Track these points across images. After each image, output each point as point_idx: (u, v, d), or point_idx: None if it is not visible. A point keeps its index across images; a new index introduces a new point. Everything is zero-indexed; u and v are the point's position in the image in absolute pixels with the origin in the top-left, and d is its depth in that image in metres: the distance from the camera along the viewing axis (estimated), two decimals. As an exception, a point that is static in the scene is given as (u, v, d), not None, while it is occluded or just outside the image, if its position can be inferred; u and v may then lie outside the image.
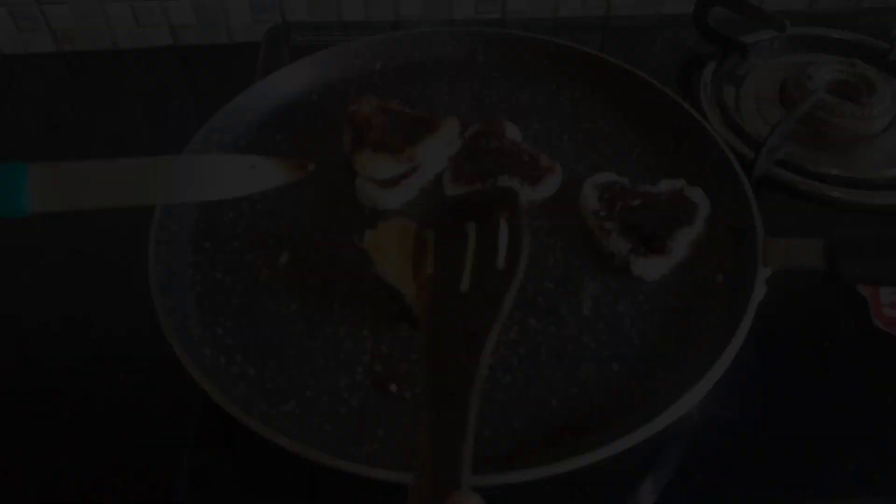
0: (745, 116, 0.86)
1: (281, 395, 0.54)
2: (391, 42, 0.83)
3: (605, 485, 0.56)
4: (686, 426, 0.59)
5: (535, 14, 1.05)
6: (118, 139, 0.86)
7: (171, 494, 0.54)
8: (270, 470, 0.55)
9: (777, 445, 0.58)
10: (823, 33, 0.97)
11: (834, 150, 0.82)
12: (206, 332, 0.58)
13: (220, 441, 0.57)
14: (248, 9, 1.01)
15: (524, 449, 0.52)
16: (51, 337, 0.65)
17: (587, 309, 0.60)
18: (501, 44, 0.84)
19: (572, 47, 0.81)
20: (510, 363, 0.56)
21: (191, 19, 0.98)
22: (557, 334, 0.58)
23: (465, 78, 0.82)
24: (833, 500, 0.56)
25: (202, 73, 0.97)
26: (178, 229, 0.65)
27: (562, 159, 0.70)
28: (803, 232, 0.73)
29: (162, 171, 0.50)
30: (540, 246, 0.65)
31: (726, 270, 0.62)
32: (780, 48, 0.96)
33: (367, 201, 0.67)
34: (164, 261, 0.61)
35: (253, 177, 0.53)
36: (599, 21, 1.05)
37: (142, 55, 0.99)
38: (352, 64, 0.82)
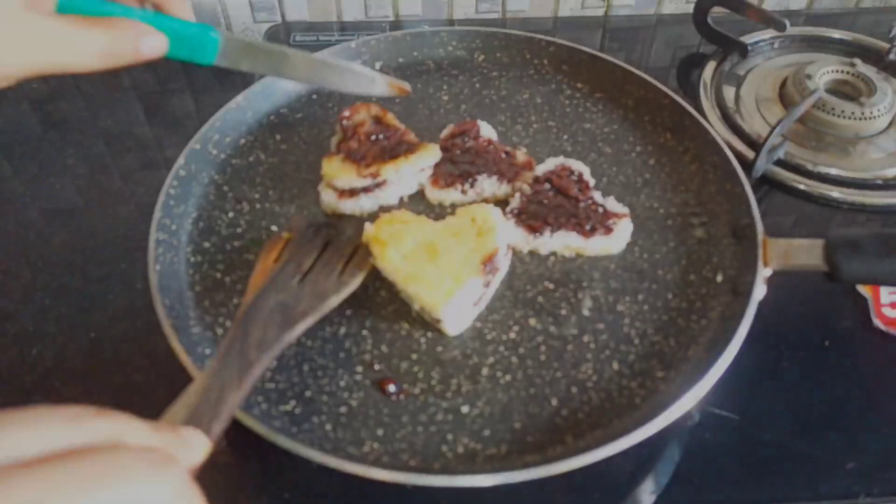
0: (745, 116, 0.86)
1: (281, 395, 0.54)
2: (391, 42, 0.84)
3: (605, 485, 0.55)
4: (686, 426, 0.59)
5: (535, 14, 1.05)
6: (118, 139, 0.86)
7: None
8: (271, 470, 0.55)
9: (777, 445, 0.58)
10: (823, 33, 0.97)
11: (834, 150, 0.82)
12: (206, 332, 0.58)
13: (219, 441, 0.57)
14: (248, 9, 1.02)
15: (524, 449, 0.52)
16: (51, 337, 0.65)
17: (587, 309, 0.60)
18: (501, 44, 0.84)
19: (572, 47, 0.81)
20: (510, 363, 0.56)
21: (190, 19, 0.98)
22: (557, 334, 0.58)
23: (465, 78, 0.82)
24: (833, 500, 0.56)
25: (202, 73, 0.97)
26: (178, 229, 0.65)
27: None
28: (803, 232, 0.73)
29: (311, 61, 0.65)
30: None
31: (726, 270, 0.62)
32: (780, 48, 0.96)
33: (325, 206, 0.67)
34: (164, 261, 0.61)
35: (370, 84, 0.69)
36: (599, 21, 1.05)
37: (142, 55, 0.99)
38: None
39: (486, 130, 0.72)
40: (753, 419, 0.59)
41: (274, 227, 0.66)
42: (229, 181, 0.70)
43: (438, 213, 0.67)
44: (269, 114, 0.77)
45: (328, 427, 0.53)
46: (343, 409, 0.54)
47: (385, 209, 0.67)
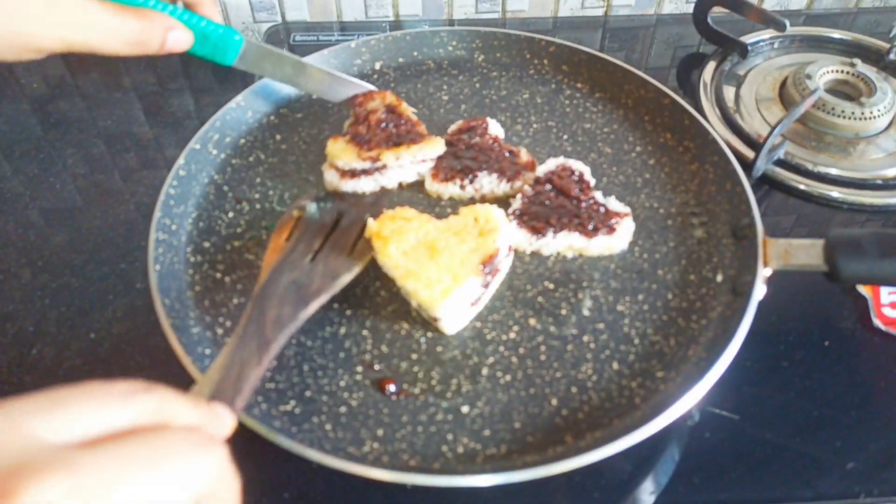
0: (745, 116, 0.86)
1: (281, 395, 0.54)
2: (391, 42, 0.84)
3: (605, 485, 0.55)
4: (686, 426, 0.59)
5: (534, 14, 1.05)
6: (118, 139, 0.86)
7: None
8: (271, 470, 0.55)
9: (777, 445, 0.58)
10: (823, 33, 0.97)
11: (834, 150, 0.82)
12: (206, 332, 0.58)
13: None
14: (249, 8, 1.02)
15: (524, 449, 0.52)
16: (51, 337, 0.65)
17: (587, 309, 0.60)
18: (501, 44, 0.84)
19: (572, 47, 0.81)
20: (510, 363, 0.56)
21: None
22: (557, 334, 0.58)
23: (465, 78, 0.82)
24: (833, 500, 0.56)
25: (202, 73, 0.97)
26: (178, 229, 0.65)
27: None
28: (803, 232, 0.73)
29: (325, 75, 0.71)
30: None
31: (726, 270, 0.62)
32: (780, 48, 0.96)
33: (327, 184, 0.68)
34: (164, 261, 0.61)
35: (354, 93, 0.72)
36: (599, 21, 1.05)
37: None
38: (352, 64, 0.82)
39: (494, 128, 0.72)
40: (753, 419, 0.59)
41: (274, 227, 0.66)
42: (229, 181, 0.70)
43: (439, 205, 0.67)
44: (269, 114, 0.77)
45: (328, 427, 0.53)
46: (343, 409, 0.54)
47: (386, 191, 0.69)
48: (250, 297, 0.53)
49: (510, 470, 0.47)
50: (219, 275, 0.62)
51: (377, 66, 0.83)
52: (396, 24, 1.04)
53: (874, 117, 0.83)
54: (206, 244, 0.65)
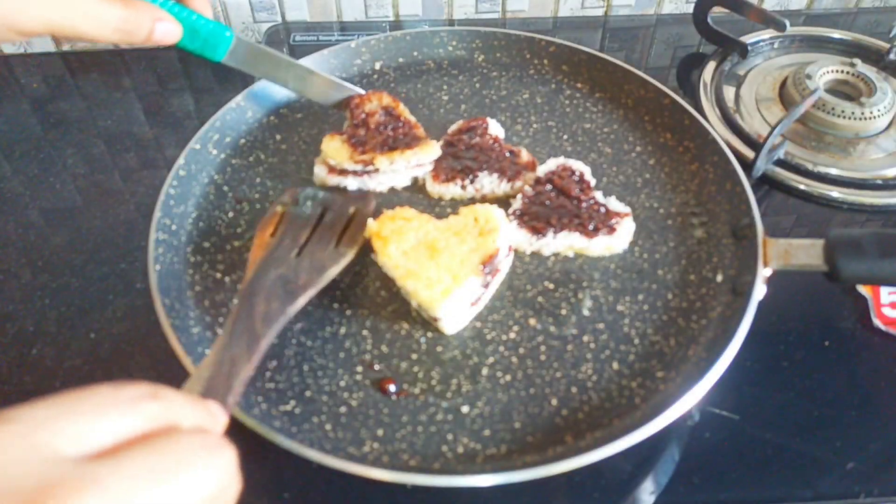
0: (745, 116, 0.86)
1: (281, 395, 0.54)
2: (391, 42, 0.83)
3: (605, 485, 0.55)
4: (686, 426, 0.59)
5: (534, 14, 1.05)
6: (118, 139, 0.86)
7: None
8: (271, 470, 0.55)
9: (777, 445, 0.58)
10: (823, 33, 0.97)
11: (834, 150, 0.82)
12: (206, 333, 0.58)
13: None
14: (248, 9, 1.01)
15: (524, 449, 0.52)
16: (51, 337, 0.65)
17: (587, 309, 0.60)
18: (501, 44, 0.84)
19: (572, 47, 0.81)
20: (510, 363, 0.56)
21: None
22: (557, 334, 0.58)
23: (465, 78, 0.82)
24: (833, 500, 0.56)
25: (202, 73, 0.97)
26: (178, 229, 0.65)
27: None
28: (803, 232, 0.73)
29: (314, 77, 0.71)
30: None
31: (726, 270, 0.62)
32: (780, 48, 0.96)
33: (315, 178, 0.69)
34: (164, 261, 0.61)
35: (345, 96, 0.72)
36: (599, 21, 1.05)
37: (142, 55, 0.99)
38: (352, 64, 0.82)
39: (495, 128, 0.72)
40: (753, 419, 0.59)
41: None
42: (229, 181, 0.70)
43: (439, 205, 0.67)
44: (269, 114, 0.77)
45: (328, 427, 0.53)
46: (343, 409, 0.54)
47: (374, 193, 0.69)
48: (238, 294, 0.53)
49: (510, 470, 0.47)
50: (219, 275, 0.62)
51: (377, 66, 0.83)
52: (396, 24, 1.04)
53: (874, 117, 0.83)
54: (206, 244, 0.65)
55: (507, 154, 0.69)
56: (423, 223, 0.59)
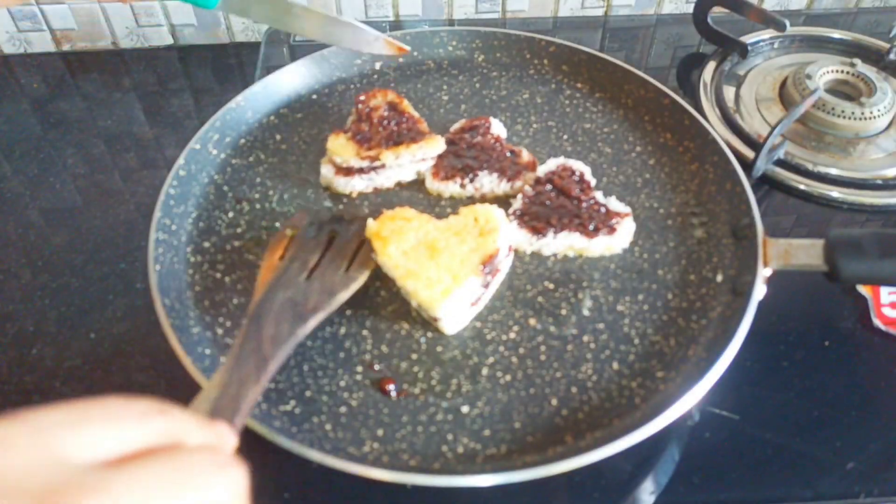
0: (745, 116, 0.86)
1: (281, 395, 0.54)
2: (391, 42, 0.83)
3: (605, 485, 0.55)
4: (686, 426, 0.59)
5: (534, 14, 1.05)
6: (118, 139, 0.86)
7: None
8: (271, 470, 0.55)
9: (777, 445, 0.58)
10: (823, 33, 0.97)
11: (834, 150, 0.82)
12: (206, 333, 0.58)
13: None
14: (248, 9, 1.01)
15: (524, 449, 0.52)
16: (51, 337, 0.65)
17: (587, 309, 0.60)
18: (501, 44, 0.84)
19: (572, 47, 0.81)
20: (510, 363, 0.56)
21: (191, 19, 0.98)
22: (557, 334, 0.58)
23: (465, 78, 0.82)
24: (833, 500, 0.56)
25: (202, 73, 0.97)
26: (178, 229, 0.65)
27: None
28: (803, 232, 0.73)
29: (314, 15, 0.68)
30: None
31: (726, 270, 0.62)
32: (780, 48, 0.96)
33: (322, 179, 0.69)
34: (164, 261, 0.61)
35: (370, 42, 0.71)
36: (599, 21, 1.05)
37: (142, 55, 0.99)
38: (352, 64, 0.82)
39: (497, 128, 0.72)
40: (753, 419, 0.59)
41: (277, 225, 0.66)
42: (229, 181, 0.70)
43: (439, 204, 0.67)
44: (269, 114, 0.77)
45: (328, 427, 0.53)
46: (343, 409, 0.54)
47: (379, 191, 0.69)
48: (246, 315, 0.53)
49: (510, 470, 0.47)
50: (219, 275, 0.62)
51: (377, 66, 0.83)
52: (396, 24, 1.04)
53: (874, 117, 0.83)
54: (206, 244, 0.65)
55: (508, 154, 0.69)
56: (423, 223, 0.59)
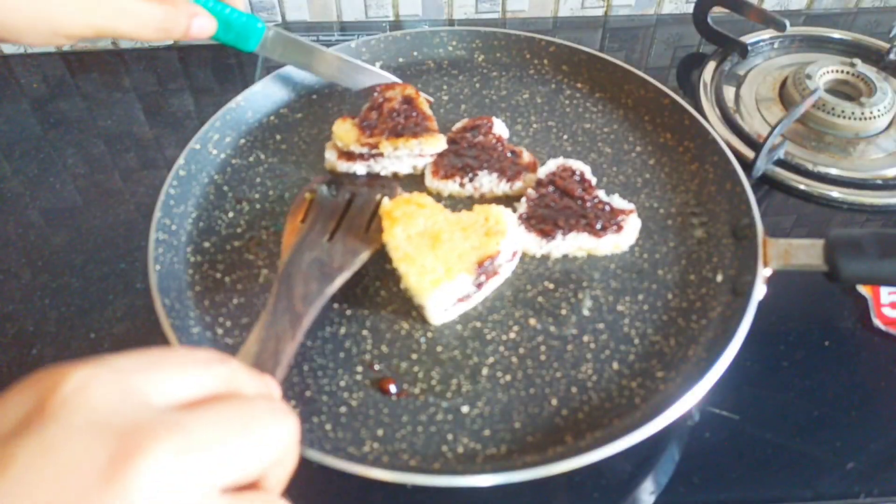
0: (745, 116, 0.86)
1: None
2: (391, 42, 0.84)
3: (605, 485, 0.56)
4: (686, 426, 0.59)
5: (534, 14, 1.05)
6: (118, 139, 0.86)
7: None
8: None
9: (777, 445, 0.58)
10: (823, 33, 0.97)
11: (834, 150, 0.82)
12: (206, 333, 0.58)
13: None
14: (249, 9, 1.01)
15: (524, 449, 0.52)
16: (51, 337, 0.65)
17: (587, 309, 0.60)
18: (501, 44, 0.84)
19: (572, 47, 0.81)
20: (510, 363, 0.56)
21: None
22: (557, 334, 0.58)
23: (465, 78, 0.82)
24: (833, 500, 0.56)
25: (202, 73, 0.97)
26: (178, 229, 0.65)
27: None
28: (803, 232, 0.73)
29: (343, 62, 0.74)
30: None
31: (726, 270, 0.62)
32: (780, 48, 0.96)
33: (326, 163, 0.70)
34: (164, 261, 0.61)
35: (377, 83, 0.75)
36: (599, 21, 1.05)
37: (142, 55, 0.99)
38: (352, 64, 0.82)
39: (499, 128, 0.72)
40: (753, 419, 0.59)
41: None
42: (229, 181, 0.70)
43: (438, 202, 0.67)
44: (269, 114, 0.77)
45: (328, 427, 0.53)
46: (343, 409, 0.54)
47: (399, 177, 0.70)
48: (276, 276, 0.56)
49: (510, 470, 0.47)
50: (219, 275, 0.62)
51: (377, 66, 0.83)
52: (396, 24, 1.04)
53: (874, 117, 0.83)
54: (206, 244, 0.65)
55: (509, 154, 0.69)
56: (435, 212, 0.60)
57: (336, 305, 0.60)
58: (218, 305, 0.60)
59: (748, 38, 0.94)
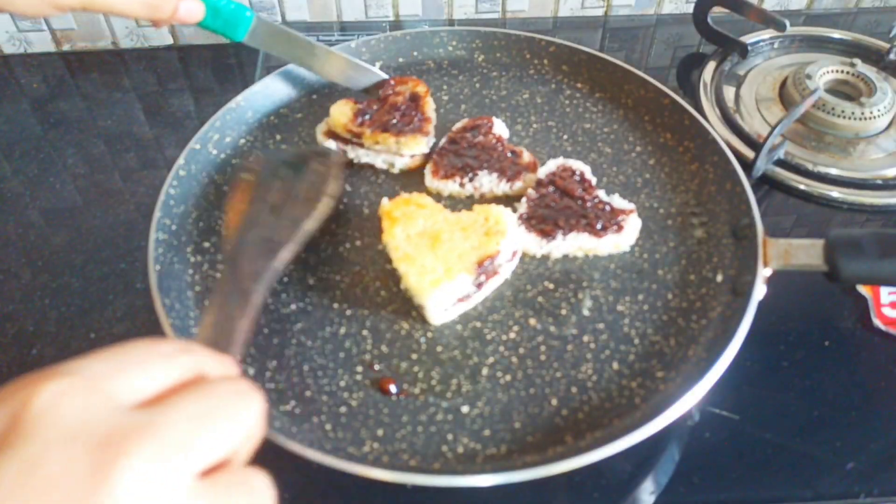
0: (745, 116, 0.86)
1: (281, 395, 0.54)
2: (391, 42, 0.83)
3: (605, 485, 0.56)
4: (686, 426, 0.59)
5: (534, 14, 1.05)
6: (118, 139, 0.86)
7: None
8: (270, 470, 0.55)
9: (777, 445, 0.58)
10: (823, 33, 0.97)
11: (834, 150, 0.82)
12: (206, 332, 0.58)
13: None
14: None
15: (524, 449, 0.52)
16: (51, 337, 0.65)
17: (587, 309, 0.60)
18: (501, 44, 0.84)
19: (572, 47, 0.81)
20: (510, 363, 0.56)
21: None
22: (557, 334, 0.58)
23: (465, 78, 0.82)
24: (833, 500, 0.56)
25: (202, 73, 0.97)
26: (178, 229, 0.65)
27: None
28: (803, 232, 0.73)
29: (335, 58, 0.73)
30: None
31: (726, 270, 0.62)
32: (780, 48, 0.96)
33: (318, 137, 0.72)
34: (164, 261, 0.61)
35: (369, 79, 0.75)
36: (599, 21, 1.05)
37: (142, 55, 0.99)
38: (352, 64, 0.82)
39: (499, 128, 0.72)
40: (753, 419, 0.59)
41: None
42: (229, 181, 0.70)
43: (438, 202, 0.67)
44: (269, 114, 0.77)
45: (328, 427, 0.53)
46: (343, 409, 0.54)
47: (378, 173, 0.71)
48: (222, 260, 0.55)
49: (510, 470, 0.47)
50: (219, 275, 0.62)
51: (377, 66, 0.83)
52: (396, 24, 1.04)
53: (874, 117, 0.83)
54: (206, 244, 0.65)
55: (509, 154, 0.69)
56: (434, 212, 0.60)
57: (336, 305, 0.60)
58: (218, 305, 0.60)
59: (748, 38, 0.94)
